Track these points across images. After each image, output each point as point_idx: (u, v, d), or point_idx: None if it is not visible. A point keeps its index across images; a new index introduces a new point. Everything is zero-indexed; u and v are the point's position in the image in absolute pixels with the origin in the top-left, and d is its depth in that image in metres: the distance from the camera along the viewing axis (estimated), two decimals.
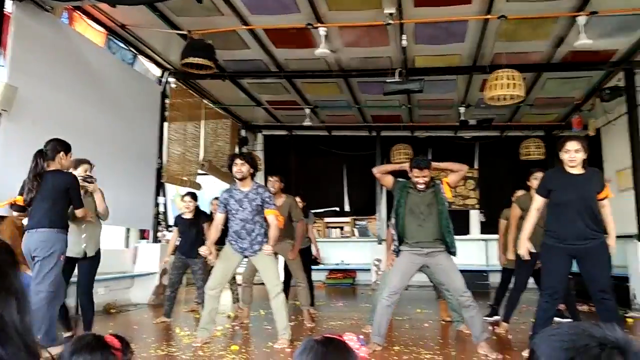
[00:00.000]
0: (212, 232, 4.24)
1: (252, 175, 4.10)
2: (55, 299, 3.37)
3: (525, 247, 3.55)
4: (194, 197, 5.56)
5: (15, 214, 4.03)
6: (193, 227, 5.34)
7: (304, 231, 5.35)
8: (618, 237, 7.29)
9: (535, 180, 4.60)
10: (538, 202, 3.54)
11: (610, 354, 0.76)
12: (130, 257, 7.06)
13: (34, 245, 3.35)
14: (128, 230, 7.46)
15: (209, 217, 5.39)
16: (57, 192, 3.44)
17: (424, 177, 3.81)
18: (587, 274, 3.39)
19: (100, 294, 6.03)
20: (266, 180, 5.97)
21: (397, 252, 3.89)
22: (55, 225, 3.40)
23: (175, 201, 11.95)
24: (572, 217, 3.34)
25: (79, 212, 3.61)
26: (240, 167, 4.00)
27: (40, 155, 3.50)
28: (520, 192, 5.07)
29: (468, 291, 3.67)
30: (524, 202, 4.47)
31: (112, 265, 6.22)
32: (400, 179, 4.04)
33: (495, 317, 5.08)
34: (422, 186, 3.83)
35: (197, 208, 5.49)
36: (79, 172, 3.86)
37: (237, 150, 10.02)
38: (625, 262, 6.22)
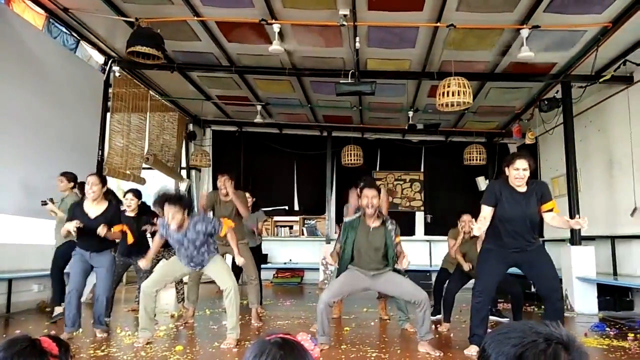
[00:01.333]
0: (153, 246, 4.19)
1: (189, 212, 3.86)
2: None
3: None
4: (136, 194, 5.22)
5: None
6: (136, 225, 5.02)
7: (245, 207, 5.04)
8: (551, 240, 7.72)
9: (463, 222, 5.00)
10: (485, 210, 3.55)
11: (555, 349, 0.82)
12: None
13: None
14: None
15: (152, 213, 5.14)
16: None
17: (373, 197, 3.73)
18: (535, 277, 3.51)
19: (34, 292, 5.68)
20: (215, 178, 5.80)
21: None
22: None
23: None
24: (513, 233, 3.46)
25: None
26: (174, 215, 3.68)
27: None
28: (466, 217, 5.06)
29: (421, 292, 3.73)
30: (463, 247, 4.95)
31: (46, 262, 5.86)
32: (348, 220, 3.96)
33: (438, 316, 5.23)
34: (370, 210, 3.73)
35: (140, 205, 5.18)
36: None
37: (184, 145, 9.75)
38: (559, 264, 6.59)
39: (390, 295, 4.46)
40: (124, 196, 5.23)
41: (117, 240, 4.67)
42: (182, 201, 3.71)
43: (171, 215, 3.63)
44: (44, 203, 5.17)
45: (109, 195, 4.45)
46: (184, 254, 3.89)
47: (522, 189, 3.50)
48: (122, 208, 5.19)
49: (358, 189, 3.99)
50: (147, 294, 3.88)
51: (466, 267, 4.81)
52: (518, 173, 3.42)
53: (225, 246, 4.63)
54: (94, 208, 4.13)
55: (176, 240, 3.83)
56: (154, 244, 4.26)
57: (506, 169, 3.52)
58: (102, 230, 3.93)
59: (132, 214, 5.08)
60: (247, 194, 5.55)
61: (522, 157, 3.47)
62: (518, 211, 3.44)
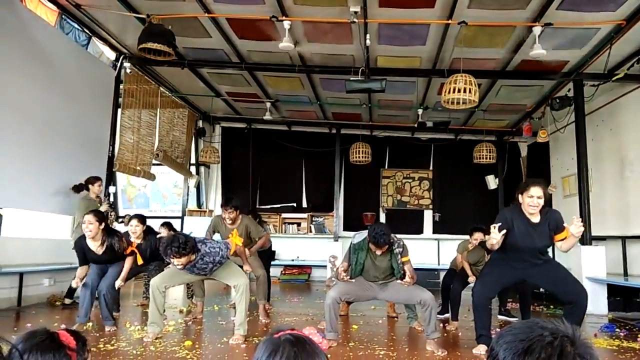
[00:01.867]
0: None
1: (195, 252, 3.77)
2: None
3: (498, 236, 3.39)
4: (141, 220, 5.07)
5: None
6: (145, 248, 4.97)
7: (267, 241, 5.48)
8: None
9: (475, 240, 5.09)
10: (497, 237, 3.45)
11: (562, 342, 0.85)
12: None
13: None
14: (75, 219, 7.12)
15: (156, 234, 5.23)
16: None
17: (382, 250, 3.80)
18: (554, 284, 3.47)
19: (45, 286, 5.75)
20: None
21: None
22: None
23: (126, 191, 11.57)
24: (521, 260, 3.46)
25: None
26: (179, 262, 3.66)
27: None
28: (478, 235, 5.12)
29: (426, 293, 3.73)
30: (472, 256, 5.01)
31: (57, 256, 5.93)
32: (356, 242, 3.94)
33: (446, 315, 5.22)
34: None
35: (145, 230, 5.09)
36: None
37: (193, 141, 9.79)
38: (569, 265, 6.54)
39: (397, 301, 4.58)
40: (129, 223, 5.16)
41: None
42: (187, 249, 3.61)
43: (176, 262, 3.66)
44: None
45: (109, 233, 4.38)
46: (195, 273, 3.98)
47: (536, 218, 3.40)
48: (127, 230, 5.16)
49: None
50: (156, 290, 3.90)
51: (472, 278, 4.85)
52: (532, 201, 3.31)
53: (235, 256, 4.65)
54: (96, 244, 4.22)
55: (187, 269, 3.86)
56: (129, 265, 4.41)
57: (520, 196, 3.40)
58: (119, 284, 4.30)
59: (139, 241, 4.98)
60: (250, 217, 5.54)
61: (537, 185, 3.36)
62: (529, 243, 3.38)
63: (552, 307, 6.31)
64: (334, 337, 3.76)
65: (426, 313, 3.71)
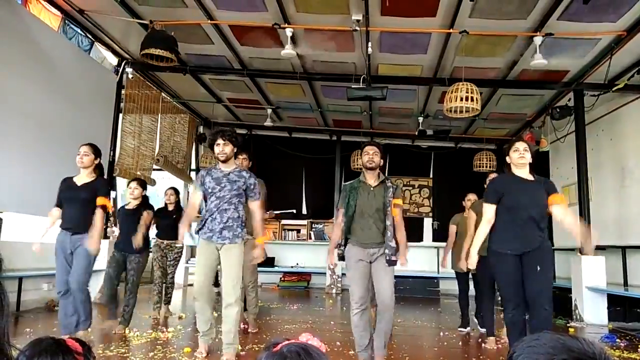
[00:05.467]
0: (188, 211, 3.86)
1: (236, 155, 3.78)
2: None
3: (475, 260, 3.40)
4: (141, 184, 4.83)
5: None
6: (133, 218, 4.62)
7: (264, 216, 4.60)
8: (561, 249, 7.65)
9: (469, 201, 4.88)
10: (489, 212, 3.35)
11: None
12: None
13: None
14: None
15: (151, 208, 4.83)
16: None
17: (374, 177, 3.52)
18: (528, 279, 3.21)
19: (44, 290, 5.73)
20: None
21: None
22: None
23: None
24: (522, 222, 3.23)
25: None
26: (223, 148, 3.57)
27: None
28: (472, 196, 4.97)
29: (391, 300, 3.36)
30: (478, 207, 4.25)
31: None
32: (347, 183, 3.64)
33: (468, 329, 4.95)
34: (372, 165, 3.49)
35: (143, 198, 4.80)
36: None
37: (194, 147, 9.80)
38: (569, 274, 6.54)
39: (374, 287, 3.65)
40: (128, 185, 4.92)
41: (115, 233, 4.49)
42: (235, 137, 3.62)
43: (221, 147, 3.53)
44: None
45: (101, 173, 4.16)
46: (215, 195, 3.55)
47: (528, 175, 3.35)
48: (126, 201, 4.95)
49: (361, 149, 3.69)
50: (200, 304, 3.54)
51: (473, 264, 3.62)
52: (519, 153, 3.31)
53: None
54: (81, 178, 3.97)
55: (214, 178, 3.57)
56: (190, 202, 4.03)
57: (507, 157, 3.41)
58: (93, 251, 3.76)
59: (132, 206, 4.72)
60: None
61: (519, 139, 3.44)
62: (528, 198, 3.26)
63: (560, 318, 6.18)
64: (365, 357, 3.38)
65: (380, 325, 3.35)
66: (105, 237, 4.83)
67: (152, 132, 7.99)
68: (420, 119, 8.44)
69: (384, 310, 3.36)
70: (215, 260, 3.56)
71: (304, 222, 10.23)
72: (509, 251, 3.24)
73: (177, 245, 5.49)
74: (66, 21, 5.93)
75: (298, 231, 10.29)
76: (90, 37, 6.37)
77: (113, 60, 7.00)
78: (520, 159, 3.32)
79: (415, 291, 8.59)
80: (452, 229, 5.15)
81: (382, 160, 3.55)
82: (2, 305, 0.71)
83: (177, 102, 8.61)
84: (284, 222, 10.22)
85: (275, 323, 5.32)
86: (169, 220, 5.43)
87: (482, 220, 3.42)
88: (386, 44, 5.98)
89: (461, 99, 5.53)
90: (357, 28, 5.33)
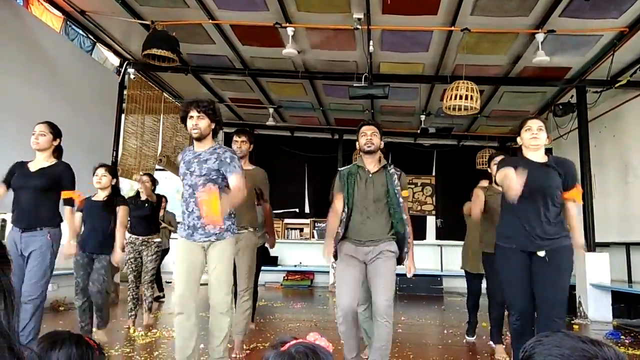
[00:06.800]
0: (74, 225, 3.30)
1: (215, 133, 3.04)
2: None
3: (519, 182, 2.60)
4: (110, 170, 4.03)
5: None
6: (102, 213, 3.86)
7: (271, 215, 4.14)
8: None
9: (496, 165, 3.53)
10: (510, 174, 2.68)
11: None
12: None
13: None
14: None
15: (125, 201, 4.08)
16: None
17: (375, 161, 3.09)
18: (540, 283, 2.71)
19: (49, 291, 5.73)
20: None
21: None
22: None
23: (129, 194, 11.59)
24: (532, 210, 2.75)
25: None
26: (196, 122, 2.89)
27: None
28: (484, 183, 4.28)
29: (390, 307, 2.87)
30: (486, 193, 3.75)
31: (60, 261, 5.92)
32: (343, 168, 3.22)
33: (474, 338, 4.46)
34: (371, 148, 3.04)
35: (114, 188, 4.01)
36: None
37: None
38: (573, 271, 6.52)
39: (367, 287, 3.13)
40: (95, 172, 4.02)
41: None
42: (214, 112, 2.93)
43: (195, 121, 2.88)
44: None
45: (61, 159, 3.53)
46: (187, 184, 2.95)
47: (541, 158, 2.86)
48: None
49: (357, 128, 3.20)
50: (181, 319, 2.79)
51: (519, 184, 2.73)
52: (532, 133, 2.83)
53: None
54: (36, 163, 3.35)
55: (185, 162, 2.99)
56: (73, 220, 3.44)
57: (519, 138, 2.93)
58: (71, 250, 3.38)
59: (101, 197, 3.94)
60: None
61: (533, 117, 2.94)
62: (542, 180, 2.76)
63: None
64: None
65: (377, 344, 2.83)
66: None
67: (154, 132, 8.01)
68: (423, 117, 8.43)
69: (379, 324, 2.81)
70: (201, 262, 2.89)
71: (307, 220, 10.24)
72: (514, 246, 2.79)
73: (155, 240, 4.86)
74: (68, 22, 5.94)
75: (301, 230, 10.31)
76: (91, 38, 6.38)
77: (115, 60, 7.01)
78: (533, 140, 2.83)
79: (419, 289, 8.59)
80: (481, 195, 3.82)
81: (382, 142, 3.12)
82: (12, 305, 0.71)
83: (179, 102, 8.62)
84: (286, 221, 10.23)
85: (279, 322, 5.33)
86: (143, 211, 4.75)
87: (506, 173, 2.70)
88: (387, 42, 5.97)
89: (460, 97, 5.51)
90: (359, 26, 5.32)
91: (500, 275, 2.95)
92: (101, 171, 3.96)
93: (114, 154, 6.89)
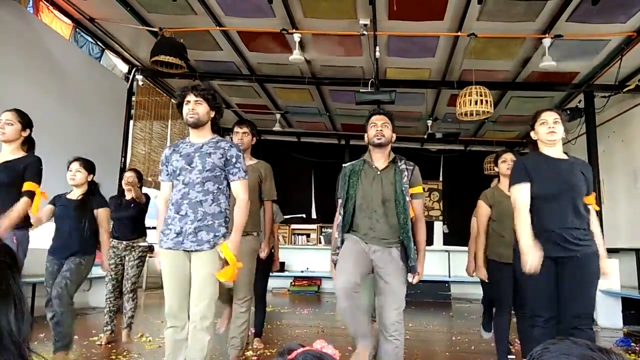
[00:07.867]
0: (161, 208, 2.68)
1: (215, 122, 2.67)
2: None
3: (536, 256, 2.40)
4: (85, 165, 3.46)
5: None
6: (77, 213, 3.36)
7: (273, 216, 3.67)
8: None
9: (504, 163, 3.47)
10: (524, 192, 2.52)
11: None
12: None
13: None
14: None
15: (104, 203, 3.56)
16: None
17: (384, 156, 2.72)
18: (566, 290, 2.48)
19: None
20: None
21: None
22: None
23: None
24: (559, 212, 2.47)
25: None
26: (194, 106, 2.56)
27: None
28: (508, 156, 3.66)
29: (400, 324, 2.63)
30: (493, 197, 3.43)
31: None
32: (347, 164, 2.89)
33: (490, 334, 3.95)
34: (381, 141, 2.66)
35: (90, 185, 3.49)
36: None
37: None
38: None
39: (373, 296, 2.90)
40: (68, 167, 3.50)
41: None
42: (213, 97, 2.63)
43: (192, 105, 2.56)
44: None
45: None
46: (182, 181, 2.53)
47: (560, 154, 2.57)
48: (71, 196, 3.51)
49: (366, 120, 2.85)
50: (171, 332, 2.49)
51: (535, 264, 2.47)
52: (548, 126, 2.53)
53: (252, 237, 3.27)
54: (4, 156, 2.96)
55: (183, 155, 2.57)
56: (160, 196, 2.81)
57: (533, 133, 2.64)
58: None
59: (75, 196, 3.44)
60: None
61: (547, 109, 2.65)
62: (561, 183, 2.48)
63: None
64: (364, 346, 2.52)
65: (388, 357, 2.52)
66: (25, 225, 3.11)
67: (162, 138, 8.06)
68: (429, 122, 8.42)
69: (385, 340, 2.48)
70: (189, 270, 2.50)
71: (314, 226, 10.23)
72: (542, 251, 2.46)
73: (140, 244, 4.28)
74: (77, 29, 6.01)
75: (308, 235, 10.30)
76: (100, 45, 6.45)
77: (123, 67, 7.08)
78: (549, 135, 2.54)
79: (427, 295, 8.53)
80: (484, 207, 3.52)
81: (394, 135, 2.72)
82: (22, 311, 0.71)
83: None
84: (293, 226, 10.23)
85: (286, 328, 5.32)
86: (128, 211, 4.23)
87: (517, 207, 2.54)
88: (394, 48, 5.98)
89: (475, 103, 5.52)
90: (365, 32, 5.34)
91: (527, 285, 2.59)
92: (75, 166, 3.43)
93: (123, 160, 6.94)
